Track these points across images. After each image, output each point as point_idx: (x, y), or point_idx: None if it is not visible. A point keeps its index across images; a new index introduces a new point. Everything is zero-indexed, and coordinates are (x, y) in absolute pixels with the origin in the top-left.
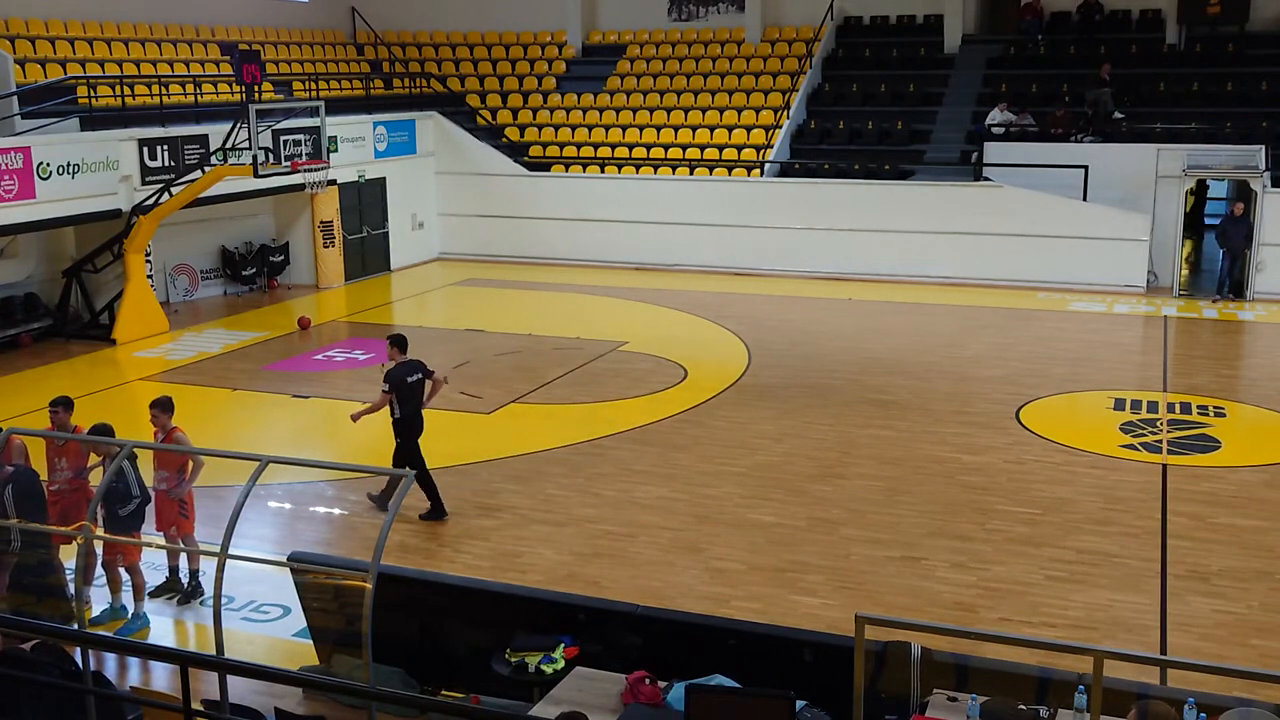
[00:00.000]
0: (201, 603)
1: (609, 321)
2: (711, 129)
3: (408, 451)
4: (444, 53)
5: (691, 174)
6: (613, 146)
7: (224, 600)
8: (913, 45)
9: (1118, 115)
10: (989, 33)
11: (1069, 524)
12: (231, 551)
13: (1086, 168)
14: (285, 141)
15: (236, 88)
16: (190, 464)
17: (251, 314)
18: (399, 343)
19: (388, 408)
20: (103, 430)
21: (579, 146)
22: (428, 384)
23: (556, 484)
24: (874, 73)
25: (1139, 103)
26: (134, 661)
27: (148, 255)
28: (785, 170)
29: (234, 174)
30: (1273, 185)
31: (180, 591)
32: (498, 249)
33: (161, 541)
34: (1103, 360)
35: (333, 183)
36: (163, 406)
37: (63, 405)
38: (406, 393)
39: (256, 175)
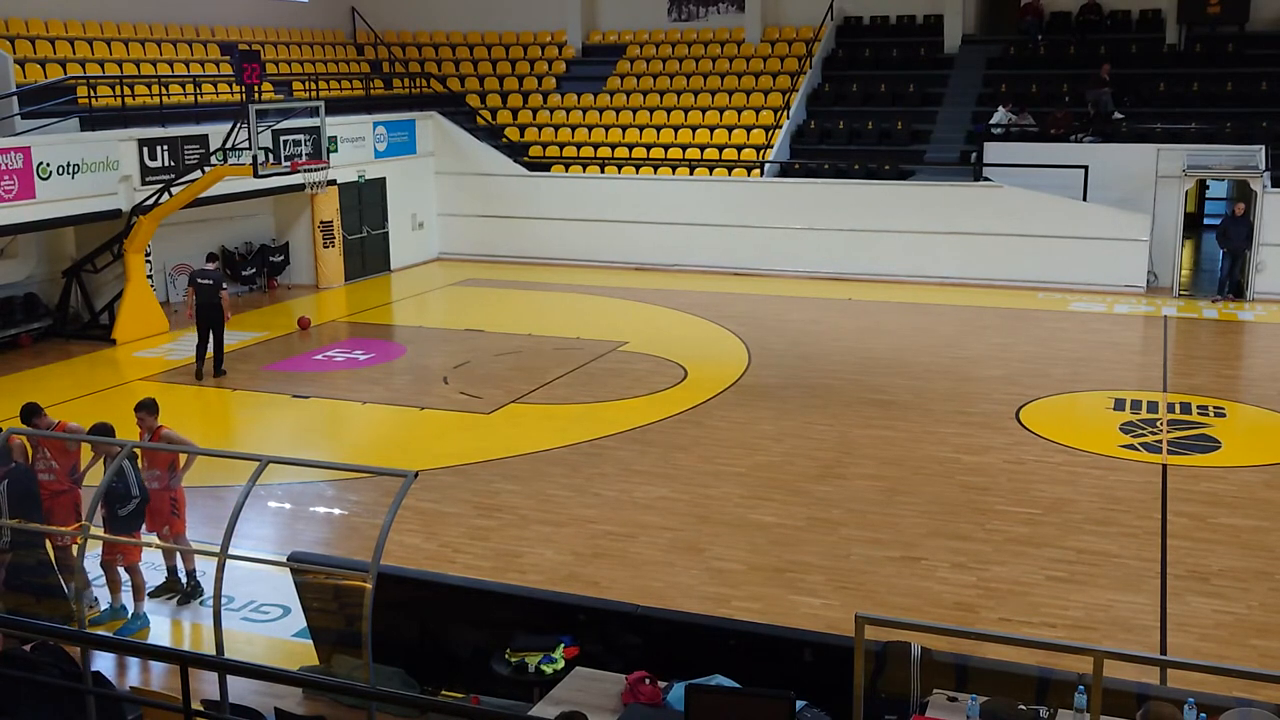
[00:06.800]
0: (201, 603)
1: (609, 321)
2: (711, 129)
3: (201, 326)
4: (444, 53)
5: (691, 174)
6: (613, 146)
7: (224, 600)
8: (913, 45)
9: (1118, 115)
10: (989, 33)
11: (1069, 524)
12: (231, 551)
13: (1086, 168)
14: (285, 141)
15: (236, 88)
16: (181, 459)
17: (251, 314)
18: (210, 256)
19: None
20: (104, 430)
21: (579, 146)
22: (222, 294)
23: (556, 484)
24: (874, 73)
25: (1139, 103)
26: (134, 661)
27: (148, 255)
28: (785, 170)
29: (234, 174)
30: (1273, 185)
31: (180, 591)
32: (498, 249)
33: (158, 542)
34: (1103, 360)
35: (333, 183)
36: (149, 408)
37: (35, 414)
38: (198, 289)
39: (256, 175)
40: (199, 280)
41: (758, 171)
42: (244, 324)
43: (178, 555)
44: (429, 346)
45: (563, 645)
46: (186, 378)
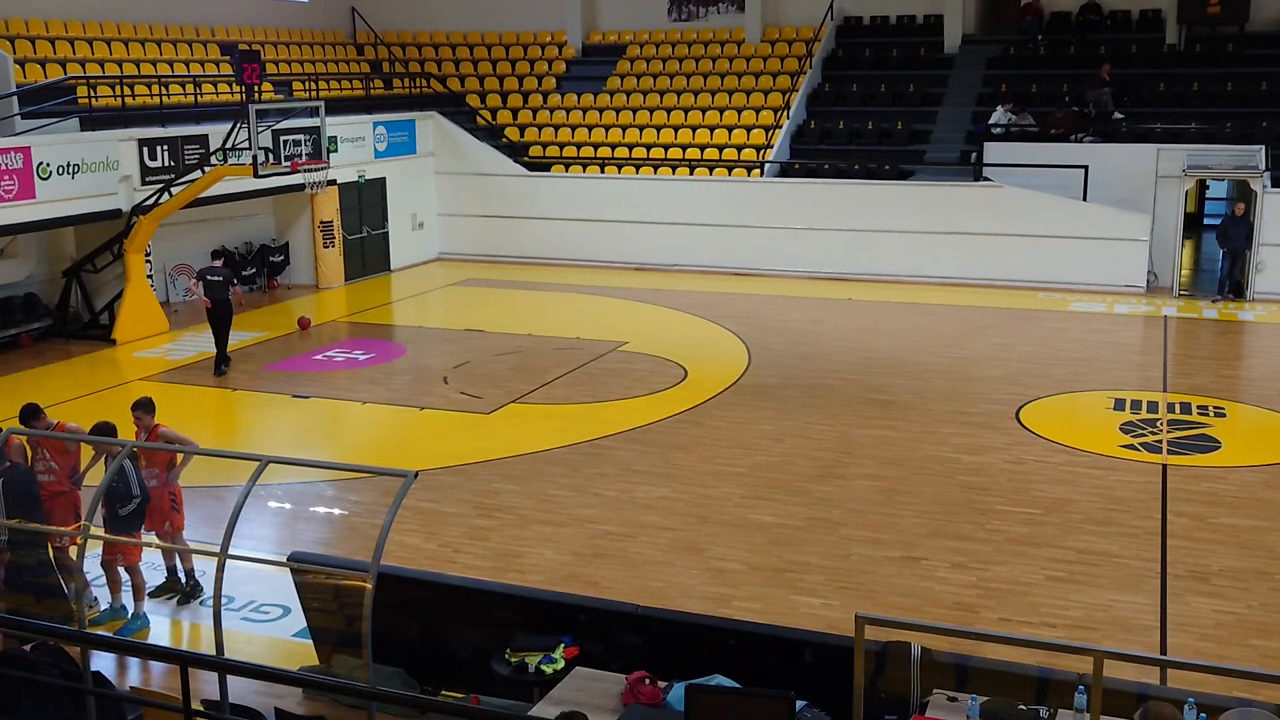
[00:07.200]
0: (201, 602)
1: (609, 321)
2: (711, 129)
3: (215, 329)
4: (444, 53)
5: (691, 174)
6: (613, 146)
7: (224, 600)
8: (913, 45)
9: (1118, 115)
10: (989, 33)
11: (1069, 524)
12: (231, 551)
13: (1086, 168)
14: (285, 141)
15: (236, 88)
16: (179, 456)
17: (251, 314)
18: (215, 253)
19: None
20: (105, 429)
21: (579, 146)
22: (233, 290)
23: (556, 484)
24: (874, 73)
25: (1139, 103)
26: (134, 661)
27: (148, 255)
28: (785, 170)
29: (234, 174)
30: (1273, 185)
31: (180, 591)
32: (498, 249)
33: (158, 541)
34: (1103, 360)
35: (333, 183)
36: (145, 407)
37: (34, 415)
38: (208, 286)
39: (256, 175)
40: (208, 277)
41: (758, 171)
42: (244, 324)
43: (177, 555)
44: (429, 346)
45: (563, 645)
46: (187, 377)
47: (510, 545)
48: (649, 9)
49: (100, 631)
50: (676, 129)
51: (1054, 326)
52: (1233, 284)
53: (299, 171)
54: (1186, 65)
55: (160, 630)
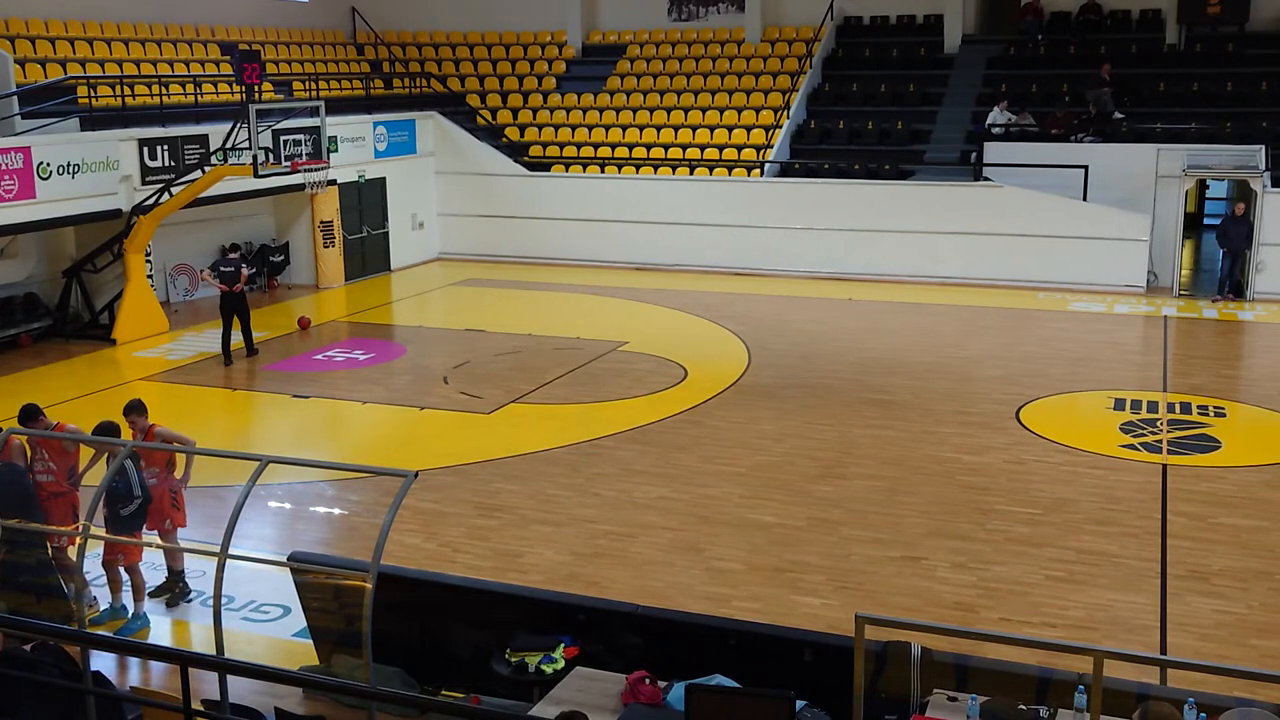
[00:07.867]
0: (201, 602)
1: (609, 321)
2: (711, 129)
3: (225, 314)
4: (444, 53)
5: (691, 174)
6: (613, 146)
7: (224, 600)
8: (913, 45)
9: (1118, 115)
10: (989, 33)
11: (1069, 524)
12: (231, 551)
13: (1086, 168)
14: (285, 141)
15: (236, 88)
16: (180, 458)
17: (252, 314)
18: (232, 248)
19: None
20: (109, 428)
21: (579, 146)
22: (241, 273)
23: (556, 484)
24: (874, 73)
25: (1139, 103)
26: (134, 661)
27: (148, 255)
28: (785, 170)
29: (234, 174)
30: (1273, 185)
31: (173, 592)
32: (498, 249)
33: (159, 540)
34: (1103, 360)
35: (333, 183)
36: (137, 409)
37: (33, 416)
38: (222, 276)
39: (256, 175)
40: (222, 269)
41: (758, 171)
42: None
43: (175, 555)
44: (429, 346)
45: (563, 645)
46: (187, 377)
47: (510, 545)
48: (649, 9)
49: (100, 631)
50: (676, 129)
51: (1054, 326)
52: (1233, 284)
53: (299, 171)
54: (1186, 65)
55: (160, 630)
